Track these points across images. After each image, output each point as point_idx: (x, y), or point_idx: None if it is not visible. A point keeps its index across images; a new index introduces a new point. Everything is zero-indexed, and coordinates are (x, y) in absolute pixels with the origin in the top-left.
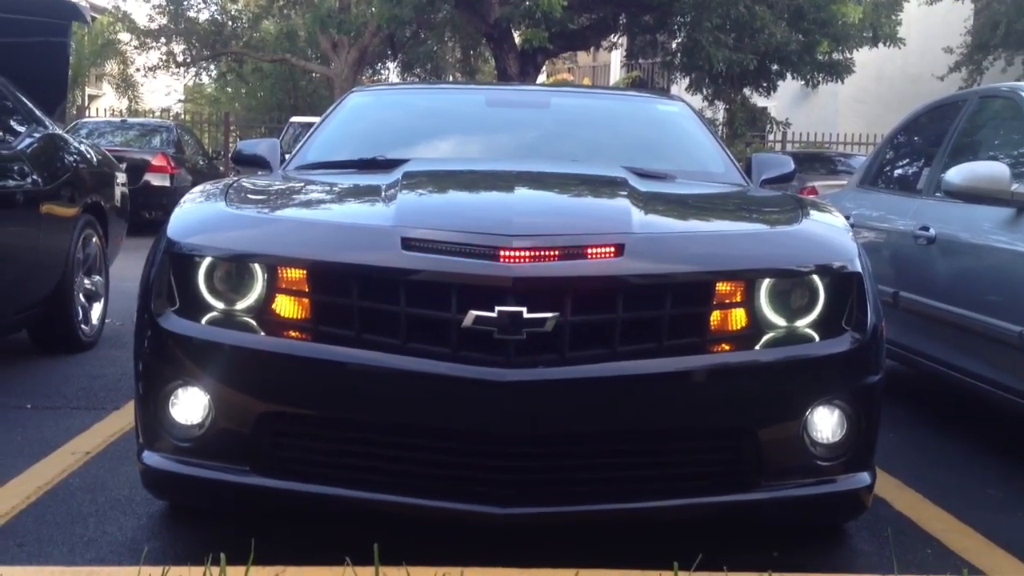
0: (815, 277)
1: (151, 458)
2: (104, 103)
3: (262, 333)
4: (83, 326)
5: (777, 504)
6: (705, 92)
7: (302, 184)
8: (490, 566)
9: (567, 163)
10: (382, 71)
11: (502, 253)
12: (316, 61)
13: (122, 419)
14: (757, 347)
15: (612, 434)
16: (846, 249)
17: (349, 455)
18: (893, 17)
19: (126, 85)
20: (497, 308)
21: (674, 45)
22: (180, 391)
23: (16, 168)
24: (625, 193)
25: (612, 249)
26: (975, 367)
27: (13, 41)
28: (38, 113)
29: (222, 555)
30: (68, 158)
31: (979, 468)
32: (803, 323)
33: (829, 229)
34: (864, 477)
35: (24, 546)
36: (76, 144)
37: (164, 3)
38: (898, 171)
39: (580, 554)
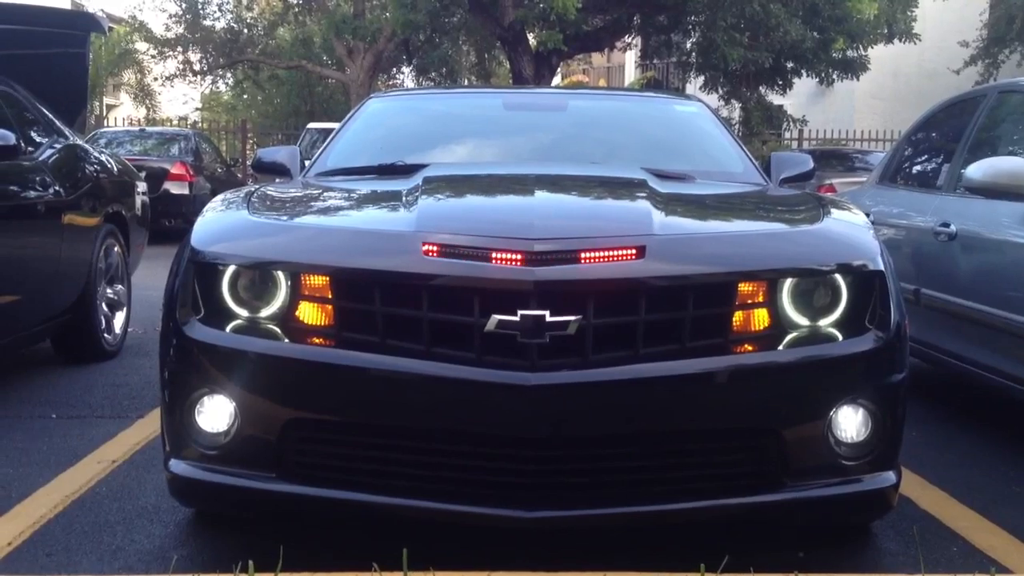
0: (837, 276)
1: (178, 466)
2: (122, 112)
3: (286, 340)
4: (106, 335)
5: (803, 504)
6: (720, 91)
7: (323, 191)
8: (517, 570)
9: (586, 165)
10: (397, 76)
11: (523, 257)
12: (332, 67)
13: (147, 427)
14: (780, 347)
15: (636, 436)
16: (868, 247)
17: (375, 461)
18: (908, 12)
19: (144, 94)
20: (520, 312)
21: (689, 45)
22: (206, 399)
23: (38, 179)
24: (645, 195)
25: (633, 251)
26: (998, 363)
27: (33, 53)
28: (58, 124)
29: (250, 562)
30: (89, 168)
31: (1004, 465)
32: (826, 322)
33: (850, 227)
34: (889, 476)
35: (53, 555)
36: (96, 154)
37: (180, 12)
38: (917, 167)
39: (606, 557)
